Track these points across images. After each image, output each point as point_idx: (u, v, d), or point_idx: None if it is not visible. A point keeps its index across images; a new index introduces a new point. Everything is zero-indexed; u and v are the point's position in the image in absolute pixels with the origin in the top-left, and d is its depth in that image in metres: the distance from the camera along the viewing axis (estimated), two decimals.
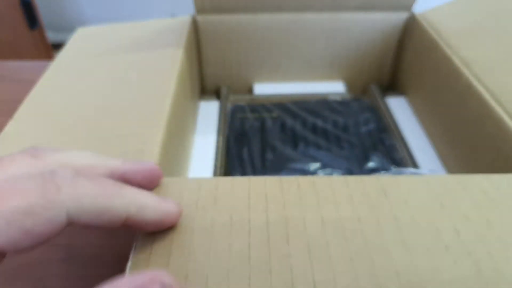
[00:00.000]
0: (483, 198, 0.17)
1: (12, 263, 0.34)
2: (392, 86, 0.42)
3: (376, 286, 0.14)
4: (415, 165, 0.31)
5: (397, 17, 0.37)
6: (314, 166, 0.29)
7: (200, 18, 0.36)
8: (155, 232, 0.16)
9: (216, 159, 0.30)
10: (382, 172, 0.29)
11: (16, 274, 0.33)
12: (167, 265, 0.15)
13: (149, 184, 0.17)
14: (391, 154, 0.32)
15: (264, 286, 0.14)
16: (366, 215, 0.16)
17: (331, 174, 0.28)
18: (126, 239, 0.19)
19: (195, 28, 0.36)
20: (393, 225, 0.16)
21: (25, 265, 0.34)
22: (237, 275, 0.14)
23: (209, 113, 0.37)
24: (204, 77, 0.40)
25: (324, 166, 0.29)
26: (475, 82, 0.26)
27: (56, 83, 0.27)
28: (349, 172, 0.29)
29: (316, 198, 0.17)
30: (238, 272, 0.14)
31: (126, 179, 0.16)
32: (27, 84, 0.49)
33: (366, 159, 0.31)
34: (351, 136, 0.33)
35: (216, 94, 0.40)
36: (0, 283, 0.33)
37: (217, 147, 0.31)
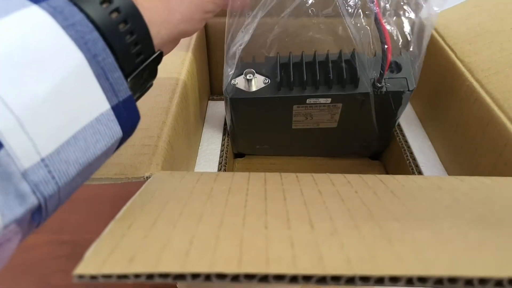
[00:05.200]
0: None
1: (17, 259, 0.34)
2: None
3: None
4: (417, 167, 0.31)
5: None
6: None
7: (209, 20, 0.37)
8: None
9: (221, 157, 0.32)
10: None
11: (21, 270, 0.34)
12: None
13: None
14: None
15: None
16: (363, 190, 0.16)
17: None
18: None
19: (205, 31, 0.37)
20: (391, 196, 0.16)
21: (29, 262, 0.35)
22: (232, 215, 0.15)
23: (216, 112, 0.38)
24: (213, 78, 0.41)
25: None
26: (478, 87, 0.26)
27: None
28: None
29: (314, 180, 0.17)
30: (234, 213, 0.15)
31: None
32: None
33: None
34: None
35: None
36: (6, 279, 0.33)
37: (222, 145, 0.32)
